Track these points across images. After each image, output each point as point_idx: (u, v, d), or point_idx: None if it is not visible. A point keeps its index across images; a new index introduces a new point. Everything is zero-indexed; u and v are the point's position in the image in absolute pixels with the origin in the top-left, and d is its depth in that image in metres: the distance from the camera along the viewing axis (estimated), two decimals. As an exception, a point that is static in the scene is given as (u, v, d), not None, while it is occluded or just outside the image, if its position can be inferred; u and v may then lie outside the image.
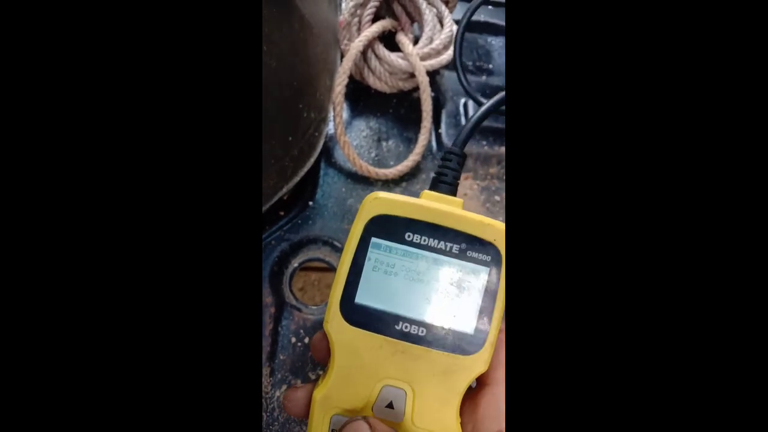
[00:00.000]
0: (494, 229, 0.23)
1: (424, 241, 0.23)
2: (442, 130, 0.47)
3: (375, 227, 0.23)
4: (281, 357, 0.39)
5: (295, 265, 0.42)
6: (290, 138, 0.35)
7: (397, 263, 0.23)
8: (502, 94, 0.29)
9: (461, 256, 0.23)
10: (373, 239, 0.23)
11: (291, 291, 0.41)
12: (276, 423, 0.38)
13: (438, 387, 0.23)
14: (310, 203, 0.42)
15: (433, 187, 0.25)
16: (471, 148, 0.47)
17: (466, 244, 0.23)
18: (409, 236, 0.23)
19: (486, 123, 0.48)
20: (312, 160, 0.37)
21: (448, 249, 0.23)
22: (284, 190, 0.36)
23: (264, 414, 0.39)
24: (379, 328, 0.23)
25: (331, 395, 0.23)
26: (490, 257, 0.23)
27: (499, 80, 0.51)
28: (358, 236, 0.23)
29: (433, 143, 0.47)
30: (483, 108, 0.28)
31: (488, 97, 0.50)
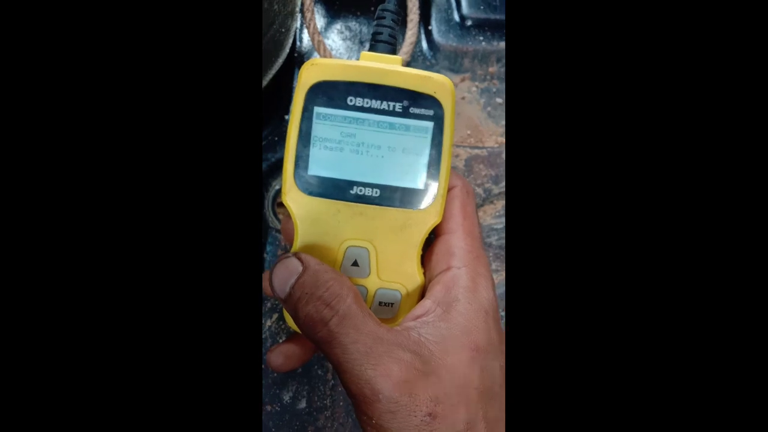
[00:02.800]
0: (433, 81, 0.23)
1: (367, 103, 0.23)
2: (433, 26, 0.41)
3: (316, 95, 0.23)
4: (268, 285, 0.36)
5: (277, 187, 0.38)
6: (249, 32, 0.30)
7: (343, 131, 0.23)
8: None
9: (405, 114, 0.23)
10: (317, 109, 0.23)
11: (274, 214, 0.37)
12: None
13: (397, 241, 0.24)
14: (286, 117, 0.38)
15: (372, 48, 0.25)
16: (467, 44, 0.41)
17: (408, 101, 0.23)
18: (351, 101, 0.23)
19: (482, 14, 0.42)
20: (280, 60, 0.33)
21: (391, 109, 0.23)
22: (250, 96, 0.32)
23: (254, 346, 0.36)
24: (335, 194, 0.24)
25: None
26: (432, 111, 0.23)
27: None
28: (301, 107, 0.23)
29: (423, 42, 0.42)
30: None
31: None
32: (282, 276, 0.22)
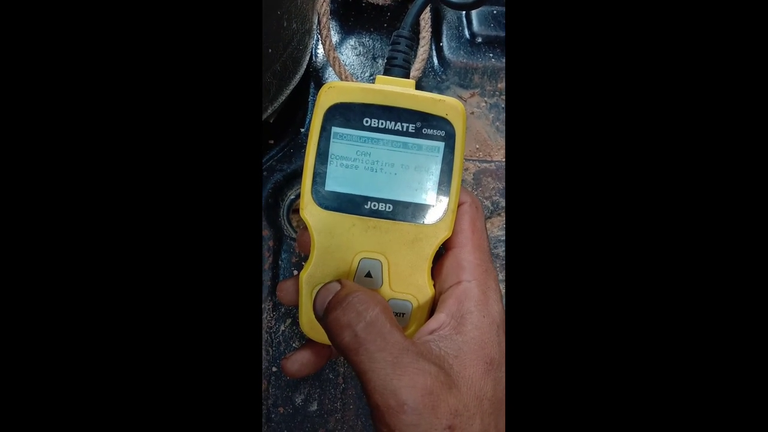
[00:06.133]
0: (446, 104, 0.24)
1: (382, 124, 0.24)
2: (444, 43, 0.43)
3: (334, 116, 0.24)
4: (282, 292, 0.37)
5: (292, 197, 0.39)
6: (270, 50, 0.31)
7: (359, 149, 0.24)
8: None
9: (417, 134, 0.24)
10: (334, 129, 0.24)
11: (289, 223, 0.39)
12: (281, 357, 0.36)
13: (408, 254, 0.25)
14: (302, 130, 0.39)
15: (386, 72, 0.26)
16: (476, 61, 0.43)
17: (421, 122, 0.24)
18: (367, 121, 0.24)
19: (492, 31, 0.44)
20: (297, 77, 0.34)
21: (405, 129, 0.24)
22: (269, 111, 0.33)
23: (270, 348, 0.37)
24: (350, 208, 0.25)
25: (314, 273, 0.25)
26: (444, 132, 0.24)
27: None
28: (319, 127, 0.24)
29: (434, 59, 0.43)
30: None
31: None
32: (322, 296, 0.23)
